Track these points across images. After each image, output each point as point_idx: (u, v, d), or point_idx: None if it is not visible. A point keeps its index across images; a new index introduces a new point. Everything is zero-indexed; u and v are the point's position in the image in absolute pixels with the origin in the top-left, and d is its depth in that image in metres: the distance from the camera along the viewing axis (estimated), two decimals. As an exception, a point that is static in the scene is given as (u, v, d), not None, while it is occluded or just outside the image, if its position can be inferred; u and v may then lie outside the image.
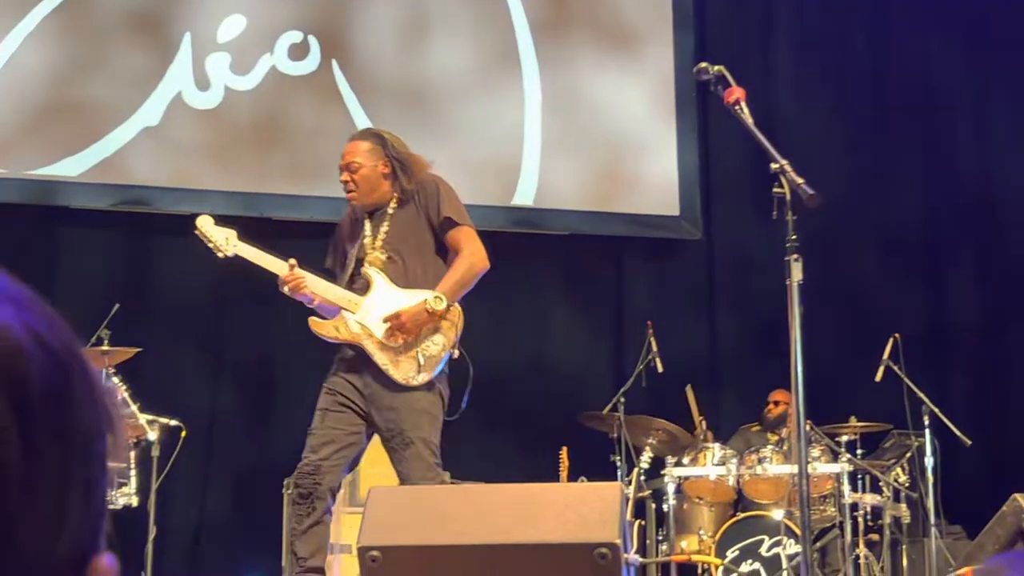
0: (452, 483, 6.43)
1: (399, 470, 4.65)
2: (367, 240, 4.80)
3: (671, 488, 6.34)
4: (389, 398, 4.62)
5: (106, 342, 5.96)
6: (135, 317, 6.47)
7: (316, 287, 4.70)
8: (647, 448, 6.51)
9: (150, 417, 5.88)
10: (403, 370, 4.62)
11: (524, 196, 7.53)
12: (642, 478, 6.50)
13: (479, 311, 7.43)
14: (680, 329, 7.48)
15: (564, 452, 6.46)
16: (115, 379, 5.91)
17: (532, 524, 3.51)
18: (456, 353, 4.75)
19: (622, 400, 6.53)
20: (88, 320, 6.06)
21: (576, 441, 6.63)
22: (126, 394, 5.93)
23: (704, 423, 6.88)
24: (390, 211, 4.82)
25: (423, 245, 4.80)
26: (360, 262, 4.79)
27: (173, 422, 5.93)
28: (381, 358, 4.63)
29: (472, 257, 4.80)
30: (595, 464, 6.48)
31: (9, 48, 6.97)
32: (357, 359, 4.67)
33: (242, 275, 7.15)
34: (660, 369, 6.64)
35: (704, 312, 7.87)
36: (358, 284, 4.77)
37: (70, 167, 6.97)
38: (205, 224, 4.85)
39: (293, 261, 4.67)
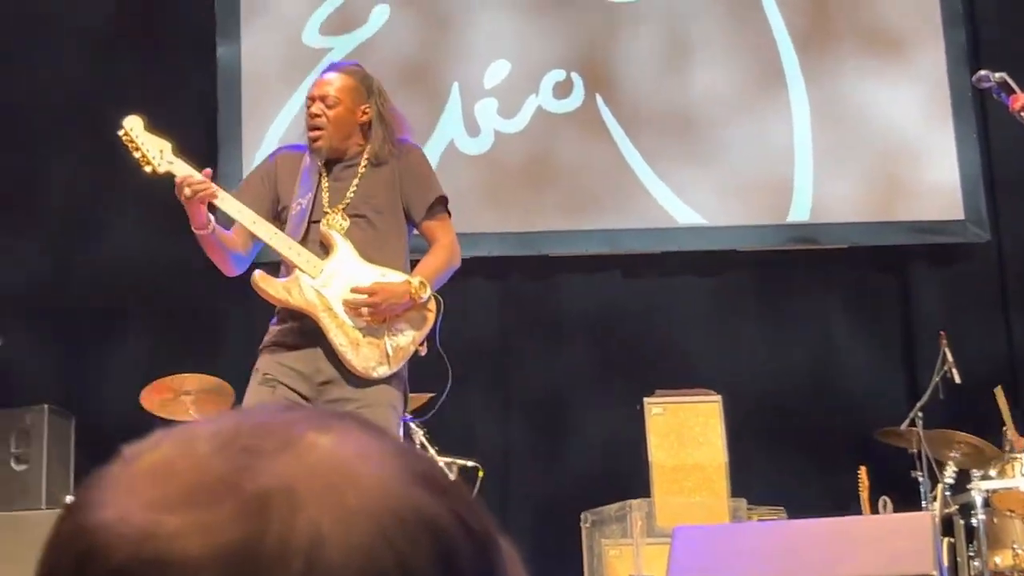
0: (748, 509, 6.43)
1: None
2: (326, 195, 4.02)
3: (979, 502, 6.07)
4: (348, 387, 3.89)
5: (401, 388, 6.18)
6: (424, 362, 6.61)
7: (265, 231, 3.89)
8: (950, 462, 6.26)
9: (449, 459, 6.00)
10: (364, 357, 3.87)
11: (799, 212, 7.38)
12: (947, 493, 6.26)
13: (761, 332, 7.44)
14: (975, 336, 7.14)
15: (863, 471, 6.29)
16: (413, 424, 6.04)
17: (844, 559, 3.43)
18: (424, 350, 4.03)
19: (920, 414, 6.32)
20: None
21: (873, 459, 6.45)
22: (424, 439, 6.11)
23: (1012, 432, 6.58)
24: (361, 168, 4.04)
25: (397, 218, 4.07)
26: (316, 219, 4.00)
27: (470, 463, 6.04)
28: (339, 338, 3.86)
29: (454, 248, 4.15)
30: (895, 482, 6.27)
31: (293, 108, 7.25)
32: (303, 336, 3.91)
33: (524, 310, 7.44)
34: (957, 380, 6.38)
35: (999, 317, 7.52)
36: (311, 243, 3.98)
37: (356, 221, 7.25)
38: (135, 127, 3.89)
39: (208, 171, 3.90)
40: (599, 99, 7.44)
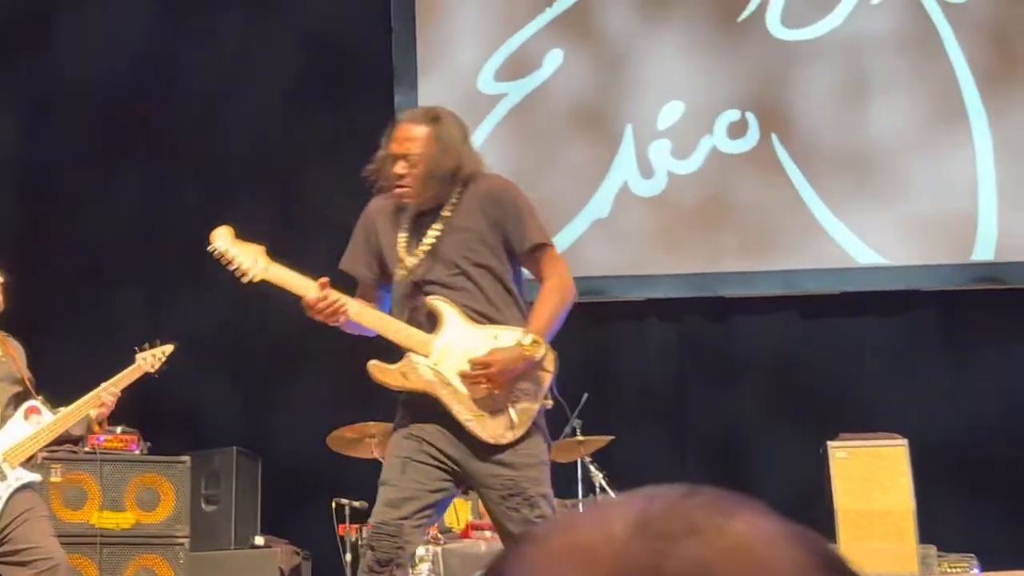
0: (938, 556, 6.24)
1: (508, 527, 3.79)
2: (426, 253, 3.90)
3: None
4: (493, 459, 3.81)
5: (579, 432, 6.11)
6: (601, 404, 6.61)
7: (371, 321, 3.86)
8: None
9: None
10: (491, 428, 3.80)
11: (984, 251, 7.23)
12: None
13: (947, 374, 7.21)
14: None
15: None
16: (593, 467, 6.10)
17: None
18: (549, 404, 3.90)
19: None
20: (559, 411, 6.29)
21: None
22: (603, 481, 6.10)
23: None
24: (455, 215, 3.91)
25: (496, 264, 3.90)
26: (418, 284, 3.88)
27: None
28: (463, 413, 3.80)
29: (564, 287, 3.90)
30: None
31: (469, 154, 7.47)
32: (433, 410, 3.84)
33: (701, 351, 7.40)
34: None
35: None
36: (417, 310, 3.91)
37: (533, 265, 7.32)
38: (223, 239, 3.90)
39: (324, 279, 3.80)
40: (775, 138, 7.42)
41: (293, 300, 7.26)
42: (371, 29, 7.72)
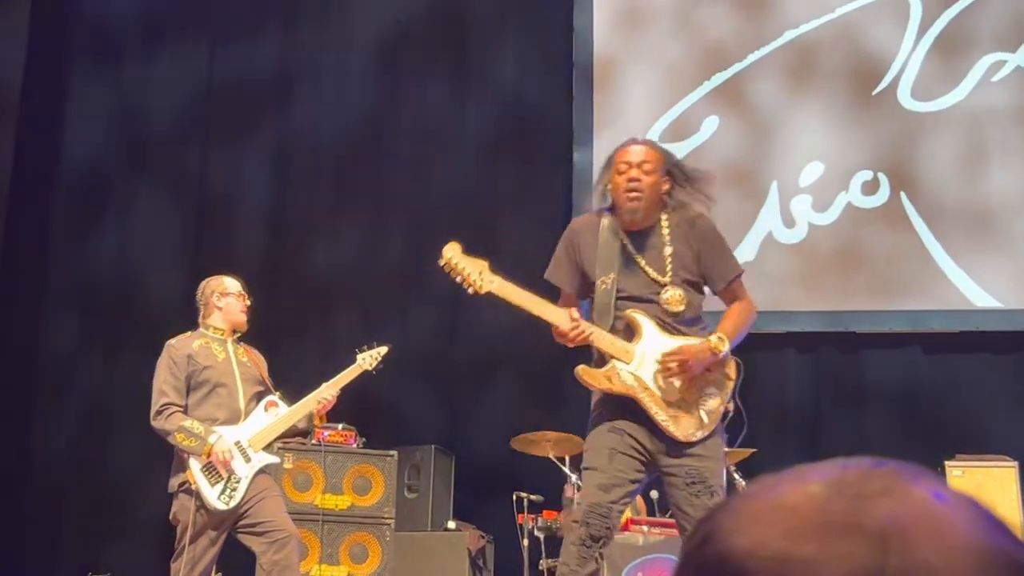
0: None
1: (689, 512, 3.76)
2: (648, 269, 3.88)
3: None
4: (685, 454, 3.83)
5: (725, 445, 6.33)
6: (747, 422, 6.71)
7: (600, 340, 3.84)
8: None
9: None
10: (683, 426, 3.82)
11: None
12: None
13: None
14: None
15: None
16: (737, 475, 6.15)
17: None
18: (731, 408, 3.99)
19: None
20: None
21: None
22: (744, 487, 6.23)
23: None
24: (665, 237, 3.89)
25: (699, 286, 3.92)
26: (621, 297, 3.87)
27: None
28: (660, 414, 3.81)
29: (752, 307, 3.96)
30: None
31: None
32: (632, 411, 3.84)
33: (833, 380, 7.38)
34: None
35: None
36: (619, 325, 3.89)
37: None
38: (454, 253, 3.87)
39: (573, 310, 3.81)
40: (903, 196, 7.47)
41: (486, 320, 7.47)
42: (554, 96, 7.91)
